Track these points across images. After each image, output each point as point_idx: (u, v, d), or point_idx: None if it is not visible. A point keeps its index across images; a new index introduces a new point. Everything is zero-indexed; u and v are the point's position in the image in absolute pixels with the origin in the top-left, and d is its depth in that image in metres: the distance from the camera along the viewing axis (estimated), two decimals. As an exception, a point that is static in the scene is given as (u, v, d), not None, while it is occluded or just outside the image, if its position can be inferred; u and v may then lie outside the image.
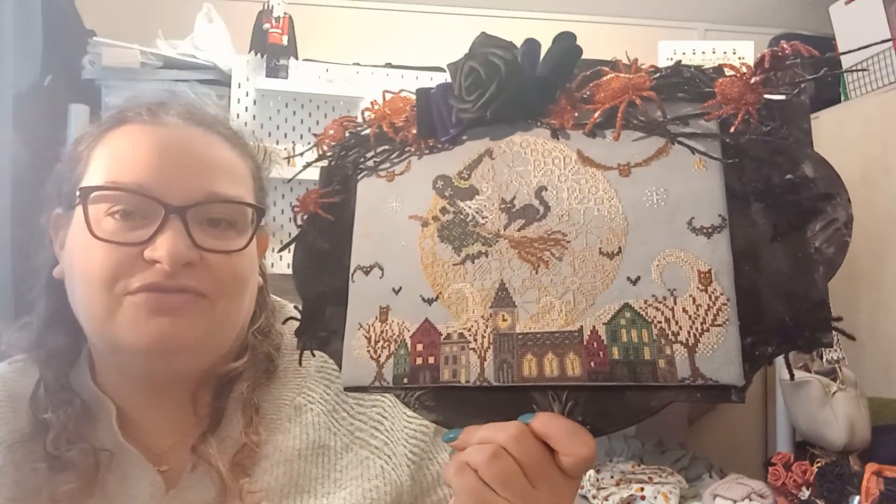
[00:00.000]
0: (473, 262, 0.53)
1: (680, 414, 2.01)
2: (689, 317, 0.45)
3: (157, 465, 0.67)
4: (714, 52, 1.95)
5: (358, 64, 1.89)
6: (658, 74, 0.49)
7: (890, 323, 1.68)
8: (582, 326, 0.48)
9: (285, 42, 1.77)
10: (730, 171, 0.47)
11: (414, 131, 0.57)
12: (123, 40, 1.68)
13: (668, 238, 0.47)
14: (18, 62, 1.62)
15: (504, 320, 0.51)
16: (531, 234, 0.51)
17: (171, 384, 0.69)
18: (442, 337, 0.52)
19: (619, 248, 0.48)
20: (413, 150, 0.58)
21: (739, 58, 1.93)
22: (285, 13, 1.78)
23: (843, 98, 1.93)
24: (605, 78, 0.50)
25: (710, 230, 0.46)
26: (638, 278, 0.47)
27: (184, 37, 1.78)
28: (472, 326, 0.52)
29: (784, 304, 0.45)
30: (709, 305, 0.45)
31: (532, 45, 0.52)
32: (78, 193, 0.64)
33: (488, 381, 0.50)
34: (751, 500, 1.57)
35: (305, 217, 0.62)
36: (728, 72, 0.48)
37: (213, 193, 0.65)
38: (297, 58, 1.85)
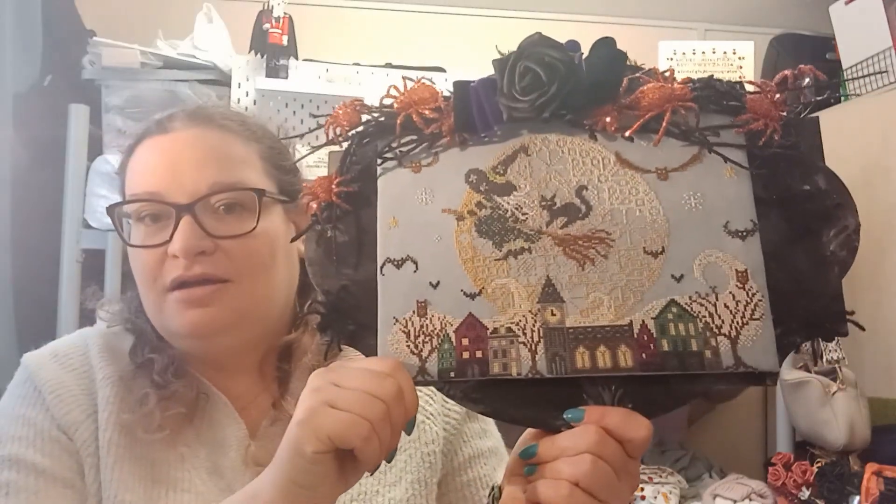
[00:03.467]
0: (516, 258, 0.54)
1: (680, 414, 2.00)
2: (731, 312, 0.51)
3: None
4: (714, 52, 1.94)
5: (358, 64, 1.89)
6: (693, 86, 0.54)
7: (890, 323, 1.68)
8: (632, 321, 0.52)
9: (285, 42, 1.77)
10: (755, 180, 0.53)
11: (448, 124, 0.57)
12: (123, 40, 1.67)
13: (707, 239, 0.52)
14: (18, 62, 1.62)
15: (553, 315, 0.53)
16: (575, 232, 0.54)
17: (237, 361, 0.76)
18: (489, 331, 0.54)
19: (663, 247, 0.53)
20: (447, 142, 0.57)
21: (739, 57, 1.93)
22: (285, 13, 1.78)
23: (843, 98, 1.93)
24: (648, 86, 0.53)
25: (744, 233, 0.52)
26: (682, 276, 0.52)
27: (184, 37, 1.78)
28: (520, 321, 0.54)
29: (806, 300, 0.51)
30: (747, 301, 0.51)
31: (578, 46, 0.54)
32: (106, 212, 0.75)
33: (541, 373, 0.53)
34: (751, 500, 1.58)
35: (319, 206, 0.59)
36: (749, 87, 0.53)
37: (215, 184, 0.72)
38: (297, 58, 1.84)
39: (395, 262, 0.57)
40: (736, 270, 0.51)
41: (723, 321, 0.51)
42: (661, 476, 1.68)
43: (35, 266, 1.62)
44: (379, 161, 0.59)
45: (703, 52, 1.95)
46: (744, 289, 0.51)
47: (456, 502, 0.79)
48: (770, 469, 1.62)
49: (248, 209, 0.73)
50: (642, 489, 1.61)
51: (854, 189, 0.51)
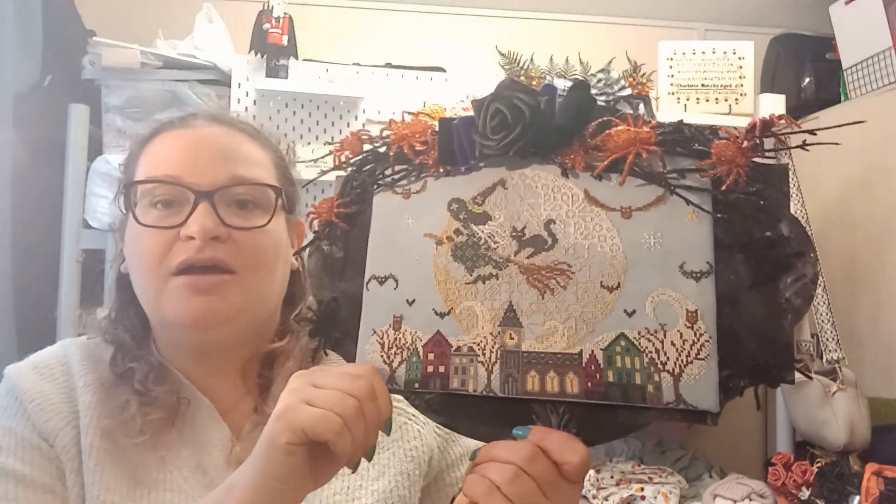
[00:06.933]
0: (484, 283, 0.59)
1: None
2: (677, 349, 0.53)
3: None
4: (714, 52, 1.94)
5: (358, 64, 1.89)
6: (661, 130, 0.56)
7: (890, 323, 1.68)
8: (582, 350, 0.55)
9: (285, 42, 1.77)
10: (718, 224, 0.54)
11: (434, 156, 0.62)
12: (123, 40, 1.68)
13: (662, 278, 0.54)
14: (18, 62, 1.62)
15: (511, 338, 0.57)
16: (539, 263, 0.57)
17: (222, 360, 0.78)
18: (452, 349, 0.59)
19: (619, 282, 0.55)
20: (431, 173, 0.62)
21: (739, 57, 1.93)
22: (285, 13, 1.78)
23: (842, 98, 1.93)
24: (615, 129, 0.56)
25: (698, 275, 0.53)
26: (634, 311, 0.54)
27: (184, 37, 1.78)
28: (481, 342, 0.58)
29: (756, 345, 0.52)
30: (694, 341, 0.52)
31: (551, 91, 0.58)
32: (122, 189, 0.77)
33: (494, 392, 0.57)
34: (751, 500, 1.58)
35: (321, 224, 0.67)
36: (722, 134, 0.55)
37: (236, 176, 0.75)
38: (297, 58, 1.84)
39: (379, 279, 0.62)
40: (686, 310, 0.53)
41: (668, 358, 0.52)
42: (661, 476, 1.68)
43: (35, 266, 1.62)
44: (375, 187, 0.65)
45: (703, 52, 1.95)
46: (692, 328, 0.52)
47: (447, 498, 0.83)
48: (770, 469, 1.62)
49: (261, 207, 0.76)
50: (642, 489, 1.61)
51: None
